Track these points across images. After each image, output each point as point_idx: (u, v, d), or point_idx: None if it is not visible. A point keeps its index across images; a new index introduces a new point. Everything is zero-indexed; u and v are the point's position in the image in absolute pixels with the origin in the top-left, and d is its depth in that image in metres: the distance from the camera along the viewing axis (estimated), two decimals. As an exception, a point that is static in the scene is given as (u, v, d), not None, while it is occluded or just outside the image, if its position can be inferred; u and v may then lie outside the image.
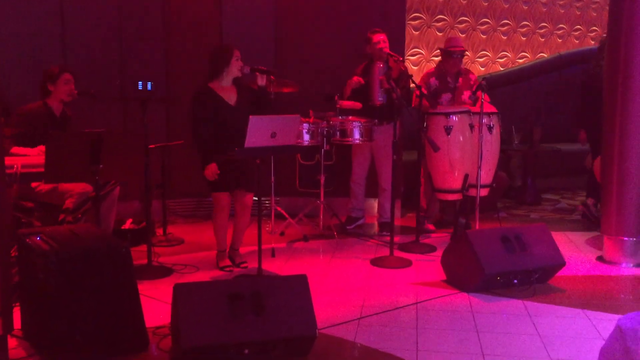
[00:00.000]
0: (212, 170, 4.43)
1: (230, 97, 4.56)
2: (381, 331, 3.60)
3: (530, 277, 4.31)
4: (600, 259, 5.00)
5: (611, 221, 4.87)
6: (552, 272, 4.41)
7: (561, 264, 4.38)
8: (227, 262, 4.69)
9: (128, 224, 5.33)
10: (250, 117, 3.87)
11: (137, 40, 6.08)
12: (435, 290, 4.29)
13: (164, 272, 4.54)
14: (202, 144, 4.48)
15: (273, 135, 3.98)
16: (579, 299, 4.13)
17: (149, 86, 4.61)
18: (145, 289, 4.04)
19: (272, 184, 5.55)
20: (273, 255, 5.00)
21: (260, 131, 3.92)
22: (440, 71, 5.81)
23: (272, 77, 5.00)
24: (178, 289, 3.08)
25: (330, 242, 5.51)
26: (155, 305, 3.87)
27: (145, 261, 4.57)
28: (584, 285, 4.43)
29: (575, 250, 5.28)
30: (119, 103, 6.02)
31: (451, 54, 5.71)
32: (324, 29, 6.38)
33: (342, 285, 4.40)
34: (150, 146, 4.64)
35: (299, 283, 3.22)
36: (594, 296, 4.22)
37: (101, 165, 3.83)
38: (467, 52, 6.22)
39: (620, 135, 4.76)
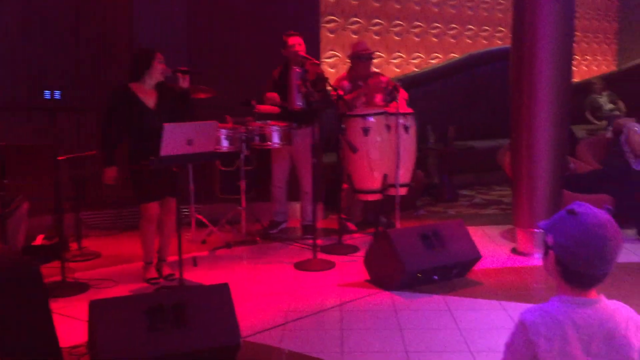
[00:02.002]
0: (109, 175, 4.32)
1: (150, 101, 4.43)
2: (307, 335, 3.60)
3: (450, 273, 4.44)
4: (514, 251, 5.21)
5: (523, 214, 5.08)
6: (469, 266, 4.55)
7: (477, 257, 4.53)
8: (154, 274, 4.56)
9: (39, 240, 5.08)
10: (165, 125, 3.78)
11: (45, 49, 5.81)
12: (359, 291, 4.33)
13: (79, 288, 4.35)
14: (106, 143, 4.35)
15: (189, 142, 3.91)
16: (495, 291, 4.28)
17: (56, 95, 4.42)
18: (60, 307, 3.87)
19: (192, 192, 5.43)
20: (195, 264, 4.91)
21: (175, 139, 3.84)
22: (351, 75, 5.89)
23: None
24: (94, 306, 2.97)
25: (254, 247, 5.47)
26: (71, 323, 3.70)
27: (59, 278, 4.38)
28: (499, 277, 4.60)
29: (490, 243, 5.47)
30: (26, 113, 5.74)
31: (360, 58, 5.80)
32: (238, 33, 6.32)
33: (266, 291, 4.37)
34: (60, 158, 4.45)
35: (221, 292, 3.17)
36: (510, 287, 4.39)
37: (5, 180, 3.63)
38: (375, 55, 6.32)
39: (529, 131, 4.97)
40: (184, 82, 4.55)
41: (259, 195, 6.09)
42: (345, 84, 5.84)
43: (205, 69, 6.14)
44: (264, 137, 5.43)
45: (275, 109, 5.60)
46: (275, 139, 5.44)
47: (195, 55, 6.23)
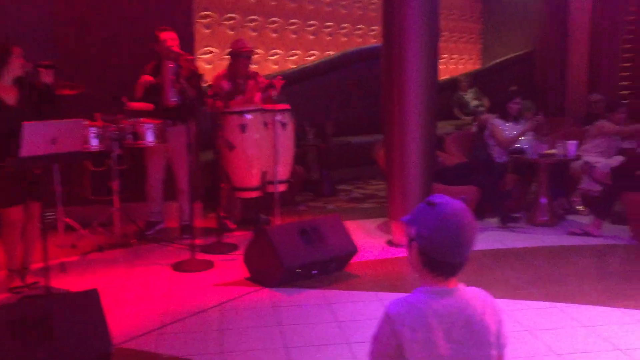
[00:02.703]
0: None
1: (9, 98, 4.12)
2: (185, 338, 3.52)
3: (328, 267, 4.52)
4: (389, 243, 5.39)
5: (396, 207, 5.27)
6: (347, 259, 4.65)
7: (354, 251, 4.64)
8: (18, 282, 4.26)
9: None
10: (24, 124, 3.53)
11: None
12: (238, 289, 4.29)
13: None
14: None
15: (53, 141, 3.68)
16: (371, 283, 4.41)
17: None
18: None
19: (59, 194, 5.13)
20: (63, 270, 4.64)
21: (37, 138, 3.60)
22: (231, 73, 5.81)
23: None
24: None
25: (129, 250, 5.26)
26: None
27: None
28: (376, 269, 4.74)
29: (367, 236, 5.62)
30: None
31: (240, 55, 5.74)
32: (108, 28, 6.04)
33: (142, 295, 4.22)
34: None
35: (90, 298, 3.02)
36: (386, 278, 4.54)
37: None
38: (254, 52, 6.30)
39: (400, 127, 5.15)
40: (46, 77, 4.28)
41: (134, 195, 5.85)
42: (224, 82, 5.76)
43: (73, 64, 5.84)
44: (137, 135, 5.23)
45: (149, 106, 5.41)
46: (149, 137, 5.26)
47: (62, 50, 5.88)
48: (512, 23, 12.52)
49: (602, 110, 6.96)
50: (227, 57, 5.97)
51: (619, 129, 6.32)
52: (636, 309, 3.85)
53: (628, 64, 12.28)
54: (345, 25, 9.73)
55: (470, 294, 1.71)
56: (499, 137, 6.37)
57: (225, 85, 5.74)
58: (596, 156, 6.30)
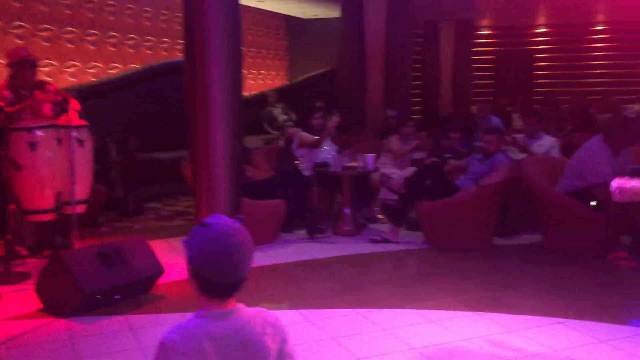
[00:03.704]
0: None
1: None
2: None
3: (133, 290, 4.29)
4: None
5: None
6: (153, 281, 4.46)
7: (160, 271, 4.46)
8: None
9: None
10: None
11: None
12: (29, 323, 3.90)
13: None
14: None
15: None
16: (179, 304, 4.26)
17: None
18: None
19: None
20: None
21: None
22: (13, 84, 5.29)
23: None
24: None
25: None
26: None
27: None
28: (183, 289, 4.59)
29: (176, 255, 5.43)
30: None
31: (24, 64, 5.25)
32: None
33: None
34: None
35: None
36: (192, 298, 4.39)
37: None
38: (43, 62, 5.84)
39: (205, 142, 5.07)
40: None
41: None
42: (7, 93, 5.23)
43: None
44: None
45: None
46: None
47: None
48: (315, 42, 13.09)
49: (397, 125, 7.50)
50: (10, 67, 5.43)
51: (398, 148, 6.88)
52: (430, 309, 4.16)
53: (419, 82, 13.48)
54: (150, 38, 9.43)
55: (249, 315, 1.69)
56: (307, 140, 6.56)
57: (8, 95, 5.20)
58: (392, 168, 6.76)
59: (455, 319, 3.98)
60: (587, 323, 3.88)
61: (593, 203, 5.28)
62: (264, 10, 12.65)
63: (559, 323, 3.89)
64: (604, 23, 14.38)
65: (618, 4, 12.41)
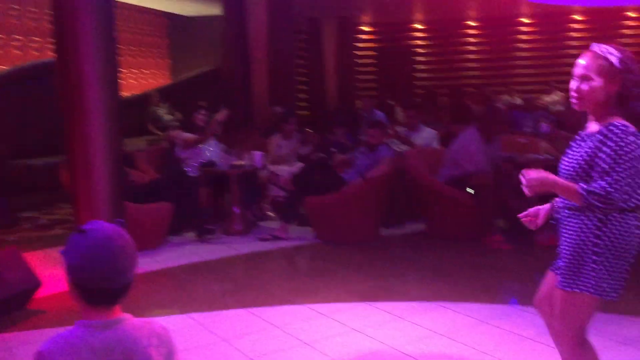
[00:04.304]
0: None
1: None
2: None
3: (7, 307, 4.01)
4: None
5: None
6: (29, 295, 4.19)
7: (37, 285, 4.20)
8: None
9: None
10: None
11: None
12: None
13: None
14: None
15: None
16: (59, 318, 4.03)
17: None
18: None
19: None
20: None
21: None
22: None
23: None
24: None
25: None
26: None
27: None
28: (64, 302, 4.35)
29: (55, 267, 5.15)
30: None
31: None
32: None
33: None
34: None
35: None
36: (75, 310, 4.18)
37: None
38: None
39: (83, 146, 4.83)
40: None
41: None
42: None
43: None
44: None
45: None
46: None
47: None
48: (199, 40, 12.86)
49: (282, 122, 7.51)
50: None
51: (281, 145, 6.88)
52: (321, 303, 4.20)
53: (304, 79, 13.61)
54: (18, 37, 8.85)
55: (134, 325, 1.63)
56: (190, 140, 6.40)
57: None
58: (279, 164, 6.77)
59: (345, 311, 4.05)
60: (467, 305, 4.08)
61: (470, 190, 5.56)
62: (143, 7, 12.25)
63: (442, 307, 4.07)
64: (475, 19, 15.18)
65: (488, 1, 13.14)
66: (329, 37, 13.61)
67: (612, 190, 2.20)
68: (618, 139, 2.22)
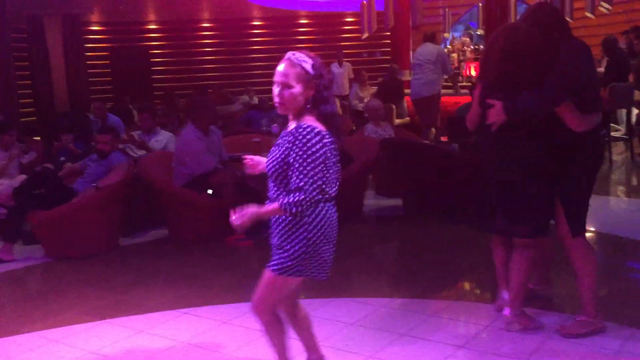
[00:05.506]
0: None
1: None
2: None
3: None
4: None
5: None
6: None
7: None
8: None
9: None
10: None
11: None
12: None
13: None
14: None
15: None
16: None
17: None
18: None
19: None
20: None
21: None
22: None
23: None
24: None
25: None
26: None
27: None
28: None
29: None
30: None
31: None
32: None
33: None
34: None
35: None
36: None
37: None
38: None
39: None
40: None
41: None
42: None
43: None
44: None
45: None
46: None
47: None
48: None
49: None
50: None
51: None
52: (52, 328, 3.81)
53: (28, 82, 12.42)
54: None
55: None
56: None
57: None
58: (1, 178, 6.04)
59: (80, 333, 3.74)
60: (211, 307, 4.05)
61: (209, 191, 5.55)
62: None
63: (185, 313, 3.98)
64: (209, 21, 15.32)
65: (220, 3, 13.34)
66: (53, 35, 12.60)
67: (305, 191, 2.43)
68: (305, 140, 2.44)
